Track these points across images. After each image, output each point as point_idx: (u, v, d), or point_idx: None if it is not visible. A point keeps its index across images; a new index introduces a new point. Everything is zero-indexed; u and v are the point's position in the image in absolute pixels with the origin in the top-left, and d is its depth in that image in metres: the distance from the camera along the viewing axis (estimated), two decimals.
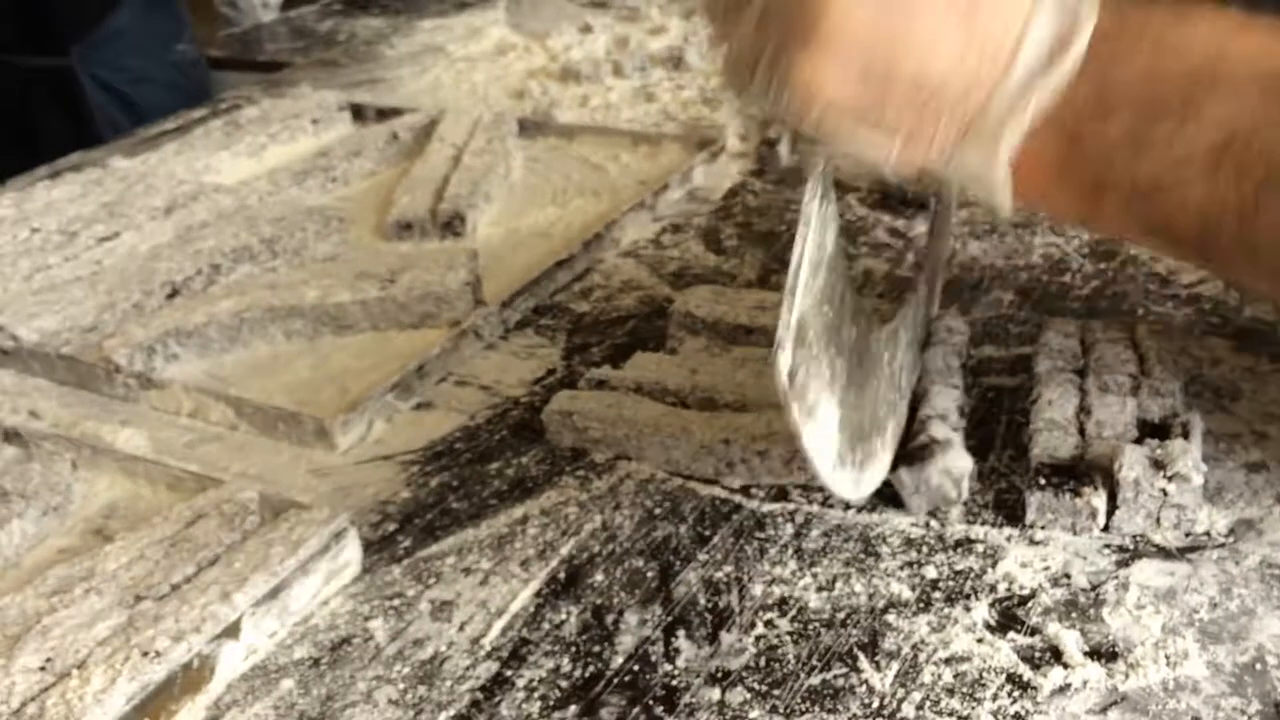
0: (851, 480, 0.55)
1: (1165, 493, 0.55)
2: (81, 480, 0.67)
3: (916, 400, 0.64)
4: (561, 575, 0.59)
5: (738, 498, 0.63)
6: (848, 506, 0.61)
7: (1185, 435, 0.57)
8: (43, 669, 0.51)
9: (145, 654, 0.51)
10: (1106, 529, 0.57)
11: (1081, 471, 0.57)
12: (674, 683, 0.52)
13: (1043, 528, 0.57)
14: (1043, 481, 0.57)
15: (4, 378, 0.80)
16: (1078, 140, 0.42)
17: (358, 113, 1.20)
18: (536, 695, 0.52)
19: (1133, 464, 0.56)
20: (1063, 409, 0.59)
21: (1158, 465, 0.55)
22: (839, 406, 0.52)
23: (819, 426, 0.50)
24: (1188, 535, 0.57)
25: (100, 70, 1.55)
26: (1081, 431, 0.59)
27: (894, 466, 0.59)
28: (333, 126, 1.18)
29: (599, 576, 0.59)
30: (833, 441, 0.52)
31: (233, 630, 0.54)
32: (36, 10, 1.50)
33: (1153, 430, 0.59)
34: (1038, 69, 0.41)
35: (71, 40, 1.51)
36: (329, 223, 0.93)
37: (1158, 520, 0.56)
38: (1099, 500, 0.56)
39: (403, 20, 1.59)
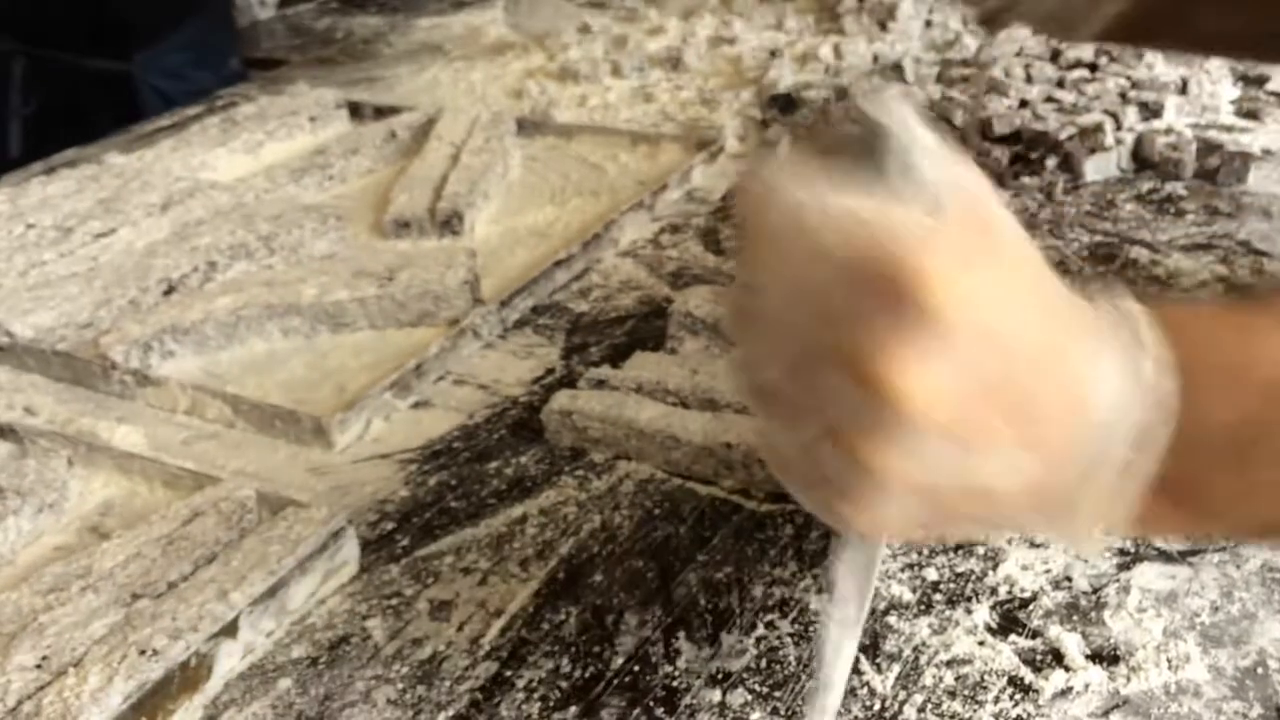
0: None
1: None
2: (77, 477, 0.67)
3: None
4: (561, 575, 0.59)
5: (737, 498, 0.63)
6: None
7: None
8: (39, 667, 0.51)
9: (142, 652, 0.51)
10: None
11: None
12: (675, 684, 0.52)
13: None
14: None
15: None
16: (1182, 503, 0.38)
17: (355, 111, 1.20)
18: (536, 696, 0.52)
19: None
20: None
21: None
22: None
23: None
24: (1188, 538, 0.57)
25: (159, 80, 1.53)
26: None
27: None
28: (330, 124, 1.17)
29: (598, 577, 0.58)
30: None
31: (230, 629, 0.54)
32: (107, 15, 1.49)
33: None
34: (1118, 469, 0.37)
35: (136, 47, 1.50)
36: (326, 220, 0.93)
37: None
38: None
39: (400, 18, 1.59)
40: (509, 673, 0.53)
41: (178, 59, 1.53)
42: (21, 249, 0.89)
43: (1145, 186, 0.93)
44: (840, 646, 0.42)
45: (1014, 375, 0.35)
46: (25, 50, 1.50)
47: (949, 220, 0.35)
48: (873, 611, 0.55)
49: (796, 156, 0.37)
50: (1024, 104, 1.04)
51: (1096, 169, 0.94)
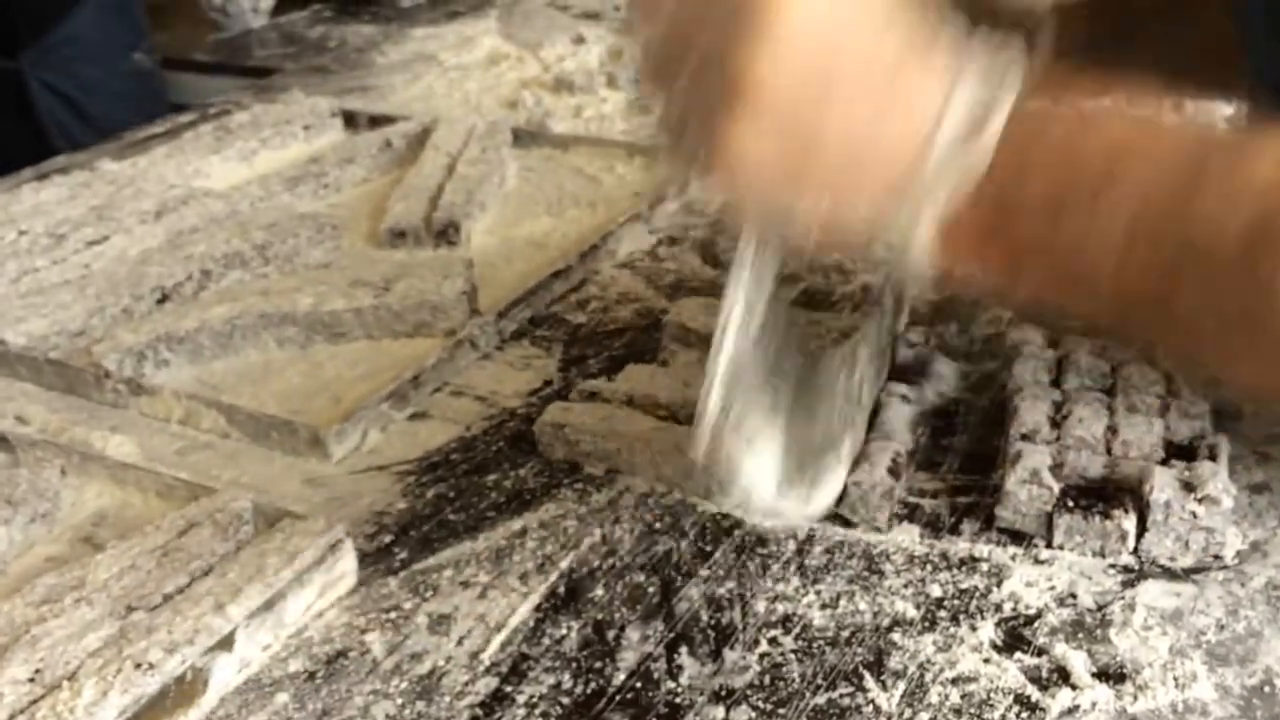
0: (801, 499, 0.56)
1: (1195, 515, 0.55)
2: (70, 487, 0.66)
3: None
4: (561, 589, 0.58)
5: (738, 513, 0.63)
6: (849, 524, 0.61)
7: (1213, 457, 0.57)
8: (32, 680, 0.50)
9: (138, 666, 0.50)
10: (1135, 552, 0.57)
11: (1110, 493, 0.56)
12: (677, 700, 0.51)
13: (1071, 550, 0.57)
14: (1070, 503, 0.56)
15: None
16: (1000, 208, 0.44)
17: (349, 119, 1.19)
18: (537, 712, 0.51)
19: (1163, 486, 0.55)
20: (1092, 427, 0.59)
21: (1188, 488, 0.55)
22: (783, 432, 0.53)
23: (757, 458, 0.51)
24: (1195, 555, 0.56)
25: (49, 75, 1.51)
26: (1109, 450, 0.58)
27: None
28: (324, 133, 1.17)
29: (599, 591, 0.58)
30: (773, 470, 0.53)
31: (226, 642, 0.53)
32: None
33: (1179, 452, 0.59)
34: (959, 138, 0.43)
35: (23, 44, 1.47)
36: (322, 229, 0.92)
37: (1186, 544, 0.55)
38: (1129, 523, 0.56)
39: (394, 28, 1.58)
40: (509, 688, 0.53)
41: (67, 53, 1.49)
42: (14, 255, 0.88)
43: None
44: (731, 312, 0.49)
45: (852, 71, 0.43)
46: None
47: None
48: (876, 628, 0.54)
49: None
50: None
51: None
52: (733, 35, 0.42)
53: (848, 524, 0.61)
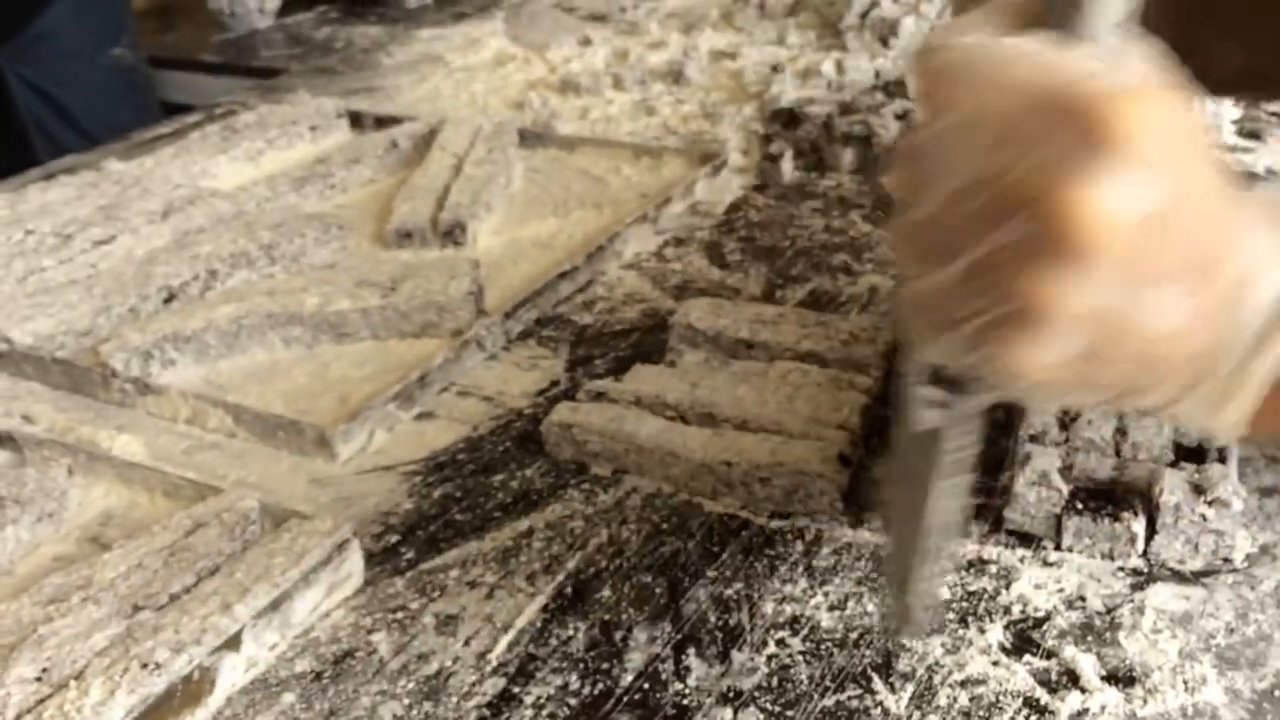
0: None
1: (1204, 518, 0.54)
2: (77, 486, 0.66)
3: None
4: (568, 590, 0.58)
5: (745, 514, 0.63)
6: (858, 524, 0.61)
7: (1222, 460, 0.57)
8: (39, 679, 0.50)
9: (145, 665, 0.50)
10: (1144, 555, 0.57)
11: (1119, 496, 0.56)
12: (685, 702, 0.51)
13: (1080, 552, 0.56)
14: (1079, 505, 0.56)
15: None
16: None
17: (355, 120, 1.20)
18: (545, 713, 0.51)
19: (1173, 488, 0.55)
20: (1100, 429, 0.59)
21: (1197, 490, 0.55)
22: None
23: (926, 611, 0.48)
24: (1205, 558, 0.56)
25: (27, 70, 1.49)
26: (1118, 452, 0.58)
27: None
28: (330, 133, 1.17)
29: (606, 592, 0.58)
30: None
31: (233, 642, 0.53)
32: None
33: (1188, 454, 0.59)
34: (1261, 338, 0.38)
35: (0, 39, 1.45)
36: (328, 229, 0.92)
37: (1196, 546, 0.55)
38: (1138, 525, 0.56)
39: (400, 29, 1.58)
40: (517, 689, 0.52)
41: (44, 48, 1.48)
42: (20, 255, 0.89)
43: None
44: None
45: (1188, 216, 0.35)
46: None
47: (1133, 67, 0.35)
48: (884, 630, 0.54)
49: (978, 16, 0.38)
50: None
51: None
52: (1062, 170, 0.34)
53: (855, 524, 0.61)
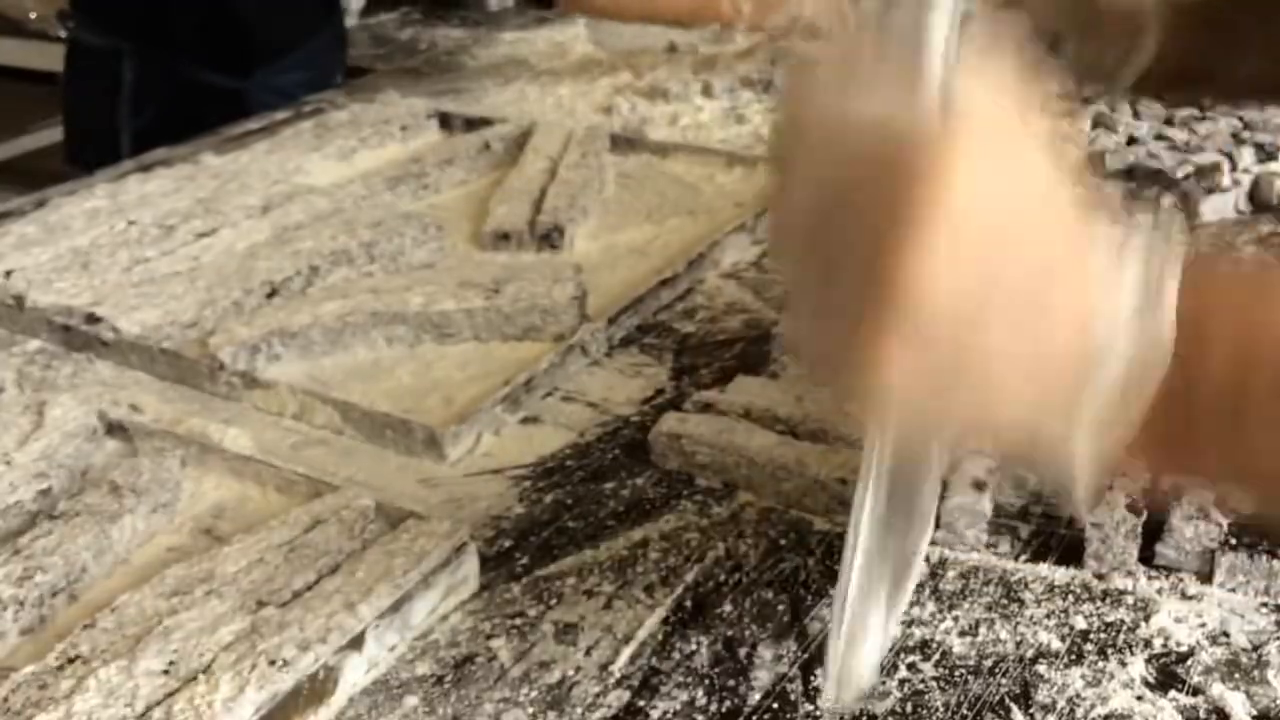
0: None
1: None
2: (189, 478, 0.66)
3: None
4: (688, 603, 0.57)
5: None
6: (986, 548, 0.59)
7: None
8: (166, 672, 0.50)
9: (273, 662, 0.50)
10: None
11: (1270, 531, 0.54)
12: None
13: (1231, 590, 0.55)
14: (1234, 541, 0.54)
15: (102, 369, 0.79)
16: (1165, 444, 0.40)
17: (444, 121, 1.19)
18: None
19: None
20: None
21: None
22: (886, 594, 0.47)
23: (870, 646, 0.46)
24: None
25: (271, 97, 1.50)
26: None
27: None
28: (420, 134, 1.17)
29: (728, 607, 0.57)
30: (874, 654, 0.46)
31: (357, 642, 0.52)
32: (230, 29, 1.45)
33: None
34: (1110, 405, 0.38)
35: (256, 65, 1.46)
36: (426, 229, 0.92)
37: None
38: None
39: (482, 31, 1.59)
40: (642, 703, 0.51)
41: (292, 79, 1.49)
42: (124, 245, 0.89)
43: (1265, 229, 0.91)
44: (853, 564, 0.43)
45: (1014, 275, 0.37)
46: (137, 50, 1.44)
47: (962, 125, 0.37)
48: (1020, 658, 0.52)
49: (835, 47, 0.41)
50: (1132, 140, 1.02)
51: (1214, 210, 0.92)
52: (885, 242, 0.36)
53: (981, 549, 0.59)
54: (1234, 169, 0.96)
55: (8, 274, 0.85)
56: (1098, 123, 1.04)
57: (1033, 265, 0.37)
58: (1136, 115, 1.06)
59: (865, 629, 0.44)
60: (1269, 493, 0.42)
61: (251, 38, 1.44)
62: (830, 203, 0.38)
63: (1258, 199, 0.93)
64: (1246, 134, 1.01)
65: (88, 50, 1.48)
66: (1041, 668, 0.52)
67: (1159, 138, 1.01)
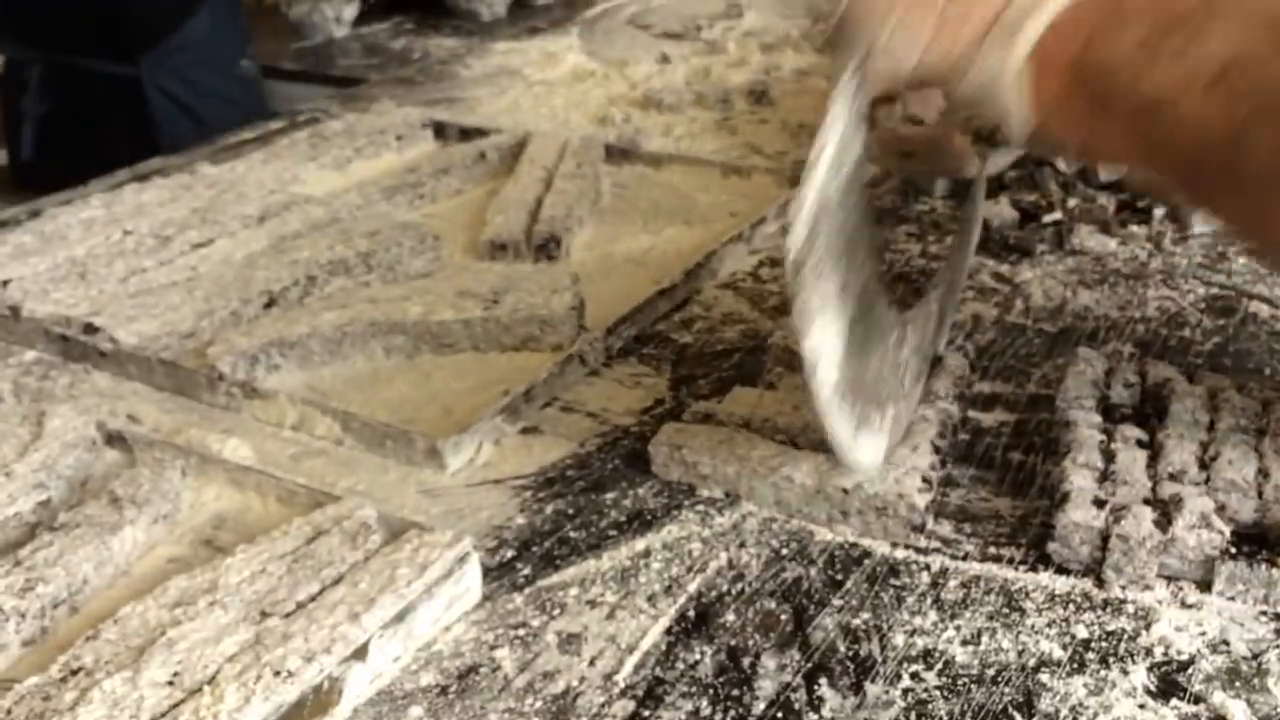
0: (848, 427, 0.54)
1: None
2: (189, 489, 0.66)
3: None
4: (691, 613, 0.57)
5: (866, 541, 0.62)
6: (984, 559, 0.60)
7: None
8: (170, 683, 0.50)
9: (277, 673, 0.50)
10: None
11: (1274, 540, 0.54)
12: None
13: (1231, 598, 0.55)
14: (1234, 550, 0.54)
15: (100, 380, 0.79)
16: (1091, 46, 0.44)
17: (439, 131, 1.20)
18: None
19: None
20: (1242, 469, 0.57)
21: None
22: (842, 342, 0.52)
23: (822, 338, 0.51)
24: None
25: (165, 81, 1.57)
26: (1260, 494, 0.57)
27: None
28: (416, 143, 1.17)
29: (730, 617, 0.57)
30: (836, 360, 0.52)
31: (361, 652, 0.52)
32: (114, 19, 1.53)
33: None
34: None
35: (141, 50, 1.53)
36: (424, 239, 0.92)
37: None
38: None
39: (476, 41, 1.59)
40: (647, 713, 0.51)
41: (180, 60, 1.57)
42: (120, 255, 0.89)
43: None
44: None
45: None
46: (42, 58, 1.55)
47: None
48: (1022, 667, 0.53)
49: None
50: None
51: (1205, 220, 0.92)
52: None
53: (983, 558, 0.59)
54: None
55: (4, 284, 0.85)
56: None
57: None
58: None
59: (823, 272, 0.51)
60: (1152, 143, 0.46)
61: (131, 25, 1.51)
62: None
63: None
64: None
65: None
66: (1044, 676, 0.52)
67: None
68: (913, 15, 0.49)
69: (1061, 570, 0.58)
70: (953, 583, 0.58)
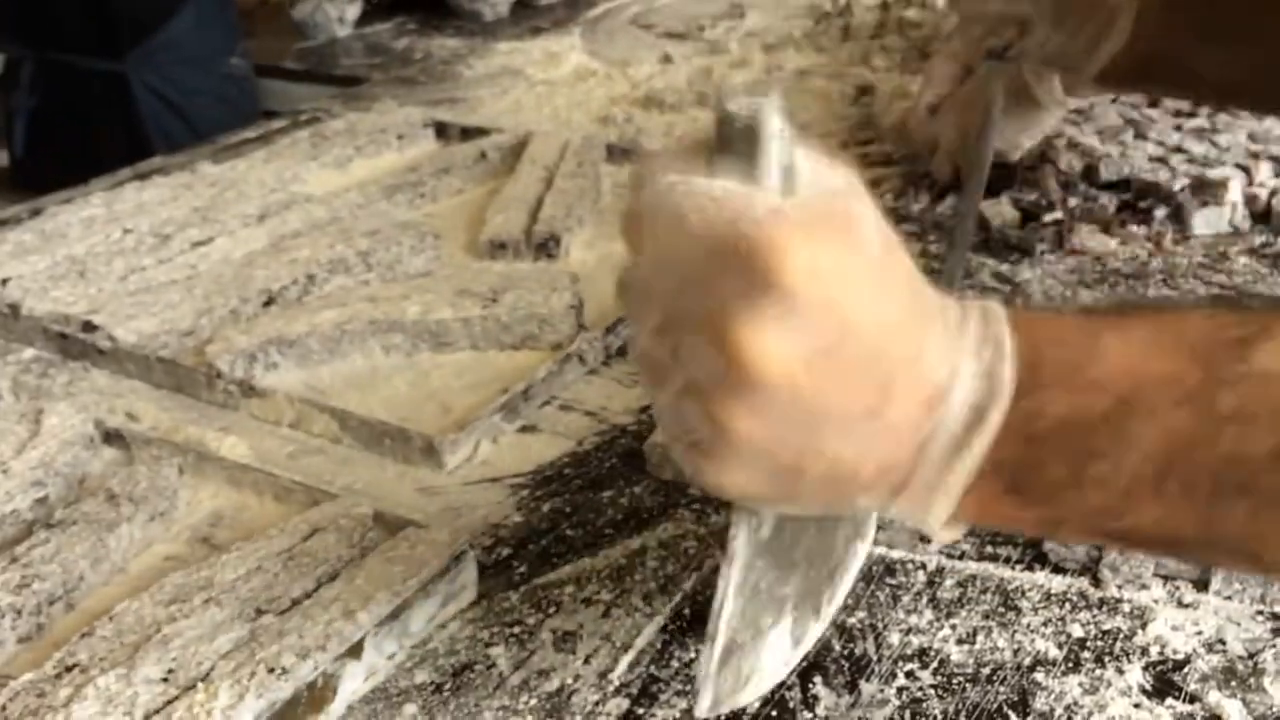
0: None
1: None
2: (186, 487, 0.66)
3: None
4: (686, 611, 0.57)
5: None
6: (981, 557, 0.59)
7: None
8: (165, 680, 0.50)
9: (271, 670, 0.50)
10: None
11: None
12: None
13: (1228, 598, 0.55)
14: None
15: (98, 378, 0.79)
16: (1019, 490, 0.41)
17: (440, 130, 1.20)
18: None
19: None
20: None
21: None
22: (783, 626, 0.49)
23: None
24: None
25: (152, 78, 1.58)
26: None
27: None
28: (417, 143, 1.17)
29: None
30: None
31: (355, 650, 0.52)
32: (101, 15, 1.54)
33: None
34: (955, 446, 0.40)
35: (128, 46, 1.55)
36: (423, 238, 0.92)
37: None
38: None
39: (478, 41, 1.59)
40: (641, 710, 0.51)
41: (166, 57, 1.59)
42: (120, 254, 0.89)
43: (1258, 240, 0.91)
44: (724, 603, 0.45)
45: (854, 347, 0.39)
46: (33, 54, 1.57)
47: (801, 203, 0.38)
48: (1018, 666, 0.53)
49: (675, 151, 0.41)
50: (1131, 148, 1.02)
51: (1206, 222, 0.92)
52: (732, 310, 0.38)
53: (980, 557, 0.59)
54: (1250, 183, 0.95)
55: (3, 282, 0.85)
56: (1102, 133, 1.05)
57: (869, 333, 0.39)
58: (1137, 132, 1.06)
59: (748, 653, 0.47)
60: (1117, 533, 0.43)
61: (119, 22, 1.52)
62: (677, 282, 0.39)
63: (1255, 211, 0.94)
64: (1257, 147, 1.01)
65: None
66: (1039, 675, 0.52)
67: (1178, 150, 1.01)
68: (791, 507, 0.44)
69: (1058, 569, 0.58)
70: (949, 581, 0.58)
